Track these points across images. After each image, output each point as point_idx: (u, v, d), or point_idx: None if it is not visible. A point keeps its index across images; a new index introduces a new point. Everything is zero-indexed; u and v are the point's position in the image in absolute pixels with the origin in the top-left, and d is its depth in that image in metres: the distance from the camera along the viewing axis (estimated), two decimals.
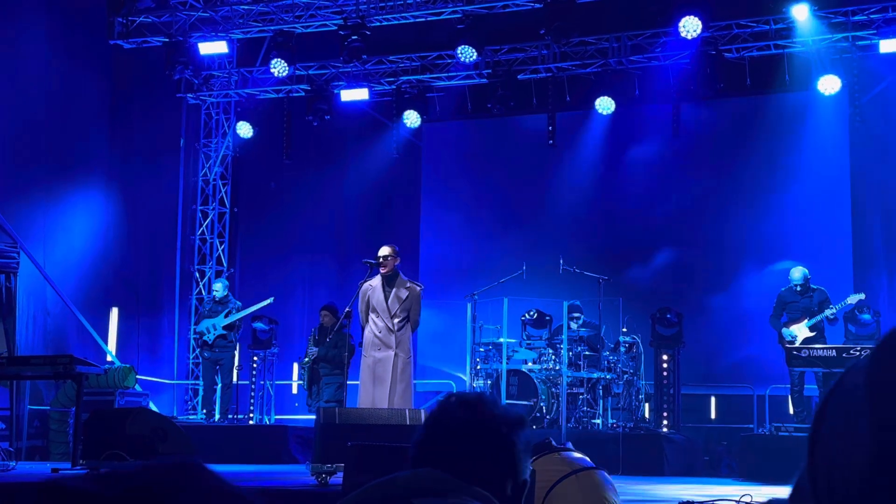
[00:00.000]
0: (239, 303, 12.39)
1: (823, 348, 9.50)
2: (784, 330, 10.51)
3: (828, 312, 10.28)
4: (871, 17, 11.61)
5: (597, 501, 4.76)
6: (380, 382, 8.56)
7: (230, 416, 12.29)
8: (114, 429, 7.33)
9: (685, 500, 6.02)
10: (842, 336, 10.83)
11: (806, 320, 10.38)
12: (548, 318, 12.03)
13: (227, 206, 14.99)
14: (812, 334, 10.32)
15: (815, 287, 10.56)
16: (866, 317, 10.87)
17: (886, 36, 11.55)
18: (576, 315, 11.07)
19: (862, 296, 10.42)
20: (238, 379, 12.68)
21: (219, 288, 12.38)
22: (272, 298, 12.33)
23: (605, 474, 4.97)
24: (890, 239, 12.56)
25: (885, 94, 12.37)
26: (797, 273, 10.59)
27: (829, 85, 11.94)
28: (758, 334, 12.33)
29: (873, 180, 12.61)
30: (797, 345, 10.06)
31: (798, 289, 10.51)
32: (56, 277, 11.66)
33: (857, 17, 11.68)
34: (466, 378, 10.85)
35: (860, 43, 11.85)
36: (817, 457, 0.71)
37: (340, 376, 10.20)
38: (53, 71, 12.15)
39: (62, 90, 12.29)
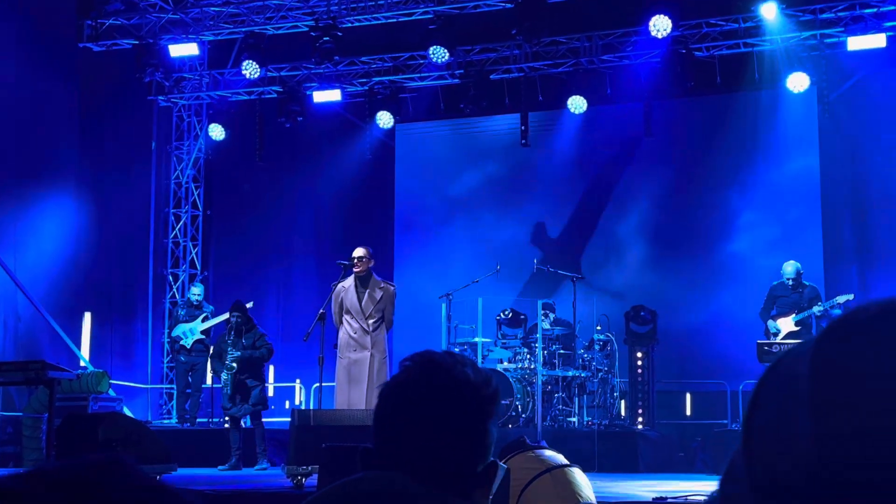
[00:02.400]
0: (212, 307, 12.33)
1: (793, 343, 9.58)
2: (770, 322, 10.55)
3: (816, 309, 10.34)
4: (839, 14, 11.73)
5: (571, 499, 4.78)
6: (356, 383, 8.55)
7: (206, 420, 12.23)
8: (87, 434, 7.28)
9: (659, 496, 6.06)
10: (814, 331, 10.93)
11: (793, 315, 10.44)
12: (522, 317, 12.05)
13: (200, 209, 14.92)
14: (797, 329, 10.37)
15: (807, 283, 10.62)
16: (837, 312, 10.97)
17: (854, 33, 11.66)
18: (545, 312, 11.11)
19: (851, 296, 10.49)
20: (213, 382, 12.61)
21: (197, 292, 12.31)
22: (252, 303, 12.27)
23: (580, 472, 4.99)
24: (860, 234, 12.69)
25: (854, 91, 12.50)
26: (789, 267, 10.63)
27: (797, 82, 12.05)
28: (730, 330, 12.42)
29: (842, 176, 12.74)
30: (778, 339, 10.13)
31: (790, 283, 10.54)
32: (27, 283, 11.55)
33: (825, 15, 11.79)
34: None
35: (828, 41, 11.96)
36: (754, 446, 0.72)
37: (251, 378, 10.03)
38: (22, 75, 12.04)
39: (31, 94, 12.19)
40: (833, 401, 0.66)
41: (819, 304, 10.38)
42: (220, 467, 9.96)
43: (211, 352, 10.39)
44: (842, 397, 0.67)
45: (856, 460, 0.65)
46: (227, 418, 10.41)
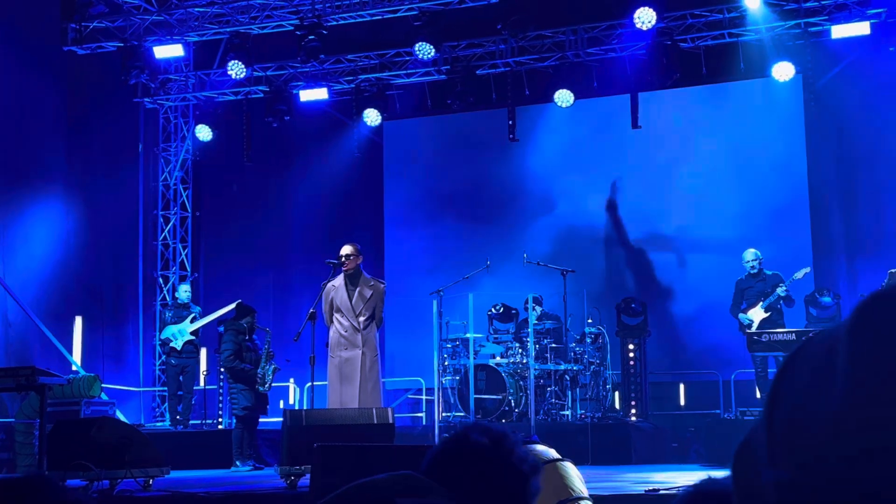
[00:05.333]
0: (199, 307, 12.30)
1: (783, 332, 9.61)
2: (741, 316, 10.60)
3: (780, 291, 10.38)
4: (823, 3, 11.76)
5: (564, 493, 4.79)
6: (348, 382, 8.54)
7: (199, 422, 12.22)
8: (79, 439, 7.26)
9: (651, 488, 6.07)
10: (803, 319, 10.96)
11: (761, 303, 10.48)
12: (514, 311, 12.06)
13: (189, 211, 14.89)
14: (767, 315, 10.41)
15: (769, 272, 10.67)
16: (827, 300, 11.00)
17: (838, 21, 11.70)
18: (533, 305, 11.12)
19: (808, 269, 10.59)
20: (206, 384, 12.60)
21: (186, 289, 12.28)
22: (239, 301, 12.23)
23: (572, 465, 5.00)
24: (848, 222, 12.73)
25: (839, 79, 12.53)
26: (749, 254, 10.68)
27: (783, 72, 12.07)
28: (721, 321, 12.44)
29: (830, 164, 12.77)
30: (755, 329, 10.16)
31: (752, 269, 10.58)
32: (16, 288, 11.52)
33: (808, 4, 11.82)
34: (434, 374, 10.86)
35: (812, 29, 11.99)
36: (776, 416, 0.71)
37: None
38: (7, 80, 12.00)
39: (17, 98, 12.15)
40: (872, 360, 0.65)
41: (781, 284, 10.41)
42: (243, 468, 9.84)
43: (230, 351, 10.08)
44: (880, 361, 0.65)
45: (887, 420, 0.64)
46: (227, 418, 10.37)
